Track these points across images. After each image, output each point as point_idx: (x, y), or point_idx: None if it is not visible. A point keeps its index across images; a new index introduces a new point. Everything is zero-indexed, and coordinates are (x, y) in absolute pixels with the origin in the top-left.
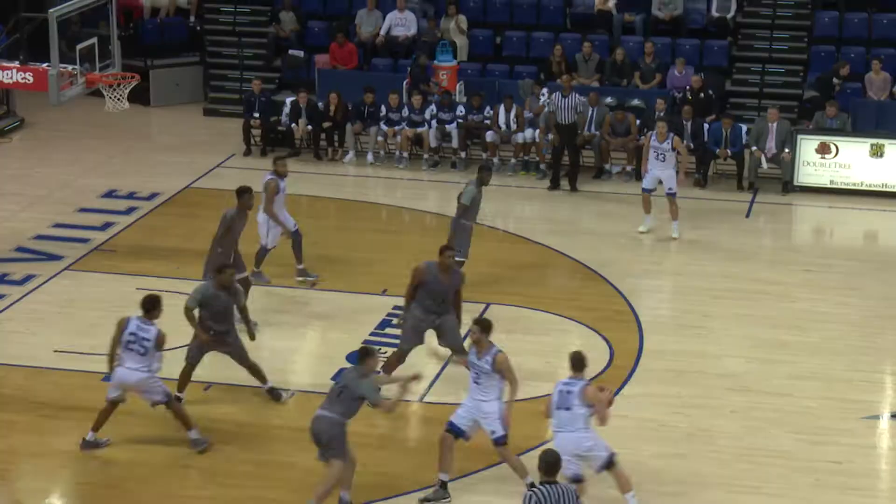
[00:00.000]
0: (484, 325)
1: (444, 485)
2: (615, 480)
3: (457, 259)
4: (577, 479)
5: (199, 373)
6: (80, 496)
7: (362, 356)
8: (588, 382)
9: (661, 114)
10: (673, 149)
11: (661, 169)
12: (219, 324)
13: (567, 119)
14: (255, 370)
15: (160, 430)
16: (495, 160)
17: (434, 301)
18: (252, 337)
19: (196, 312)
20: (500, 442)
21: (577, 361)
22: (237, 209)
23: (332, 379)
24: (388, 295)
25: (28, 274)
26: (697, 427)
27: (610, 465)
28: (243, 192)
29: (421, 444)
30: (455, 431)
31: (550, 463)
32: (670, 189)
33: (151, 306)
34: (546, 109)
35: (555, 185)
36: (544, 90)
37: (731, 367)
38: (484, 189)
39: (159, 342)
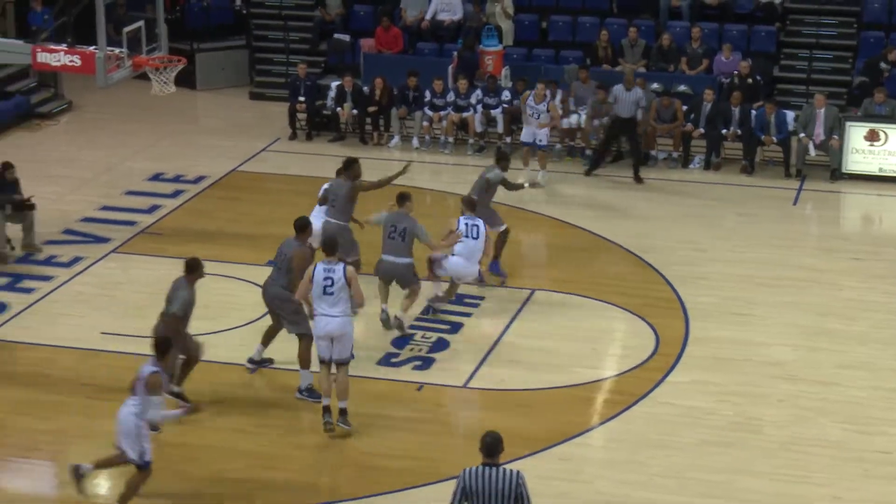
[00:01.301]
0: None
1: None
2: None
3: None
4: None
5: (247, 355)
6: (127, 477)
7: (402, 199)
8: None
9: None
10: (548, 111)
11: (532, 124)
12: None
13: (627, 112)
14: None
15: (206, 413)
16: None
17: None
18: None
19: None
20: None
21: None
22: (346, 179)
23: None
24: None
25: (75, 256)
26: (743, 415)
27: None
28: (352, 163)
29: (465, 429)
30: None
31: (490, 444)
32: (541, 141)
33: (165, 349)
34: (608, 101)
35: (591, 171)
36: (613, 89)
37: (777, 356)
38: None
39: (150, 385)
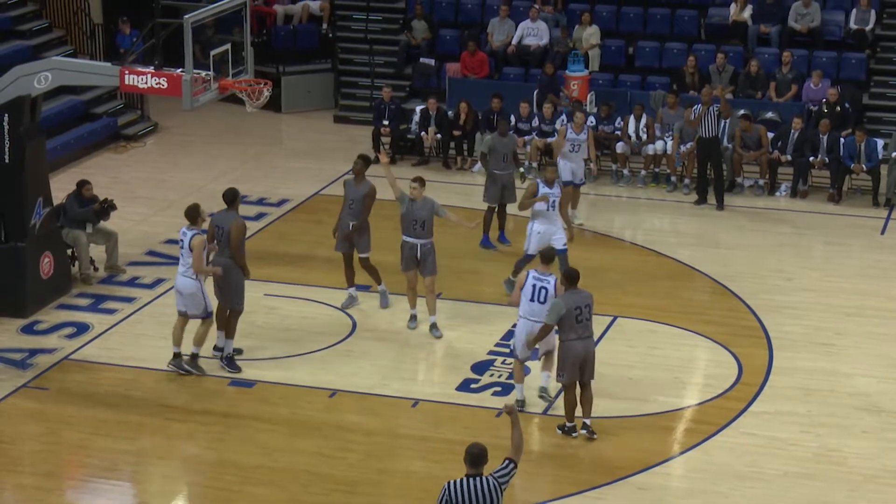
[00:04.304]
0: None
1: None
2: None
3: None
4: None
5: (328, 378)
6: (205, 499)
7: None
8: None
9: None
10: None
11: (575, 160)
12: None
13: (708, 132)
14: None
15: (284, 436)
16: (625, 171)
17: None
18: None
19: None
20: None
21: (549, 256)
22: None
23: None
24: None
25: (158, 278)
26: (827, 447)
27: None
28: (359, 157)
29: (545, 456)
30: None
31: (475, 455)
32: (582, 180)
33: None
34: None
35: (701, 200)
36: (694, 109)
37: (862, 387)
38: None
39: None
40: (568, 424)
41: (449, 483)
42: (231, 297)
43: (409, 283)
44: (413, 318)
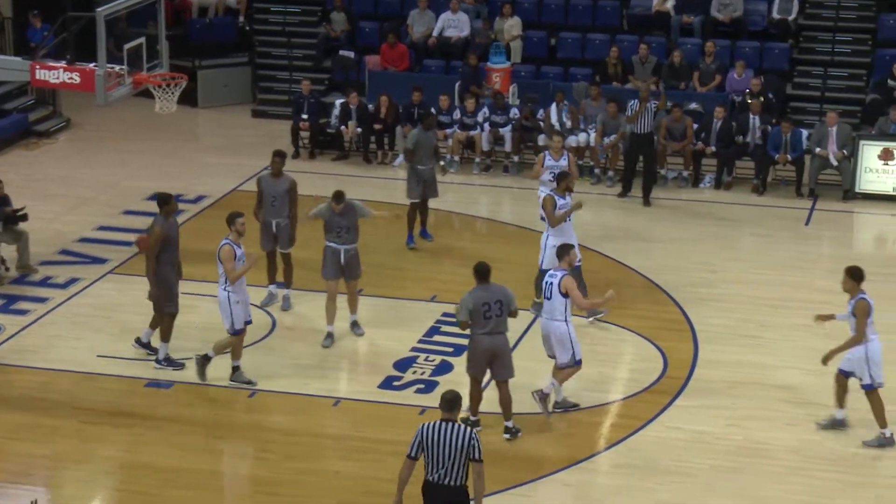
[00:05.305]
0: None
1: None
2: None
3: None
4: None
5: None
6: (122, 503)
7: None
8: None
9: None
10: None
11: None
12: None
13: (643, 128)
14: None
15: (204, 438)
16: None
17: None
18: None
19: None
20: None
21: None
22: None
23: None
24: (437, 301)
25: (72, 277)
26: (753, 439)
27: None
28: (276, 154)
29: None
30: None
31: (448, 400)
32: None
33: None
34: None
35: (626, 192)
36: (629, 104)
37: (788, 379)
38: None
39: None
40: (472, 418)
41: (423, 425)
42: (160, 299)
43: (330, 292)
44: (329, 336)
